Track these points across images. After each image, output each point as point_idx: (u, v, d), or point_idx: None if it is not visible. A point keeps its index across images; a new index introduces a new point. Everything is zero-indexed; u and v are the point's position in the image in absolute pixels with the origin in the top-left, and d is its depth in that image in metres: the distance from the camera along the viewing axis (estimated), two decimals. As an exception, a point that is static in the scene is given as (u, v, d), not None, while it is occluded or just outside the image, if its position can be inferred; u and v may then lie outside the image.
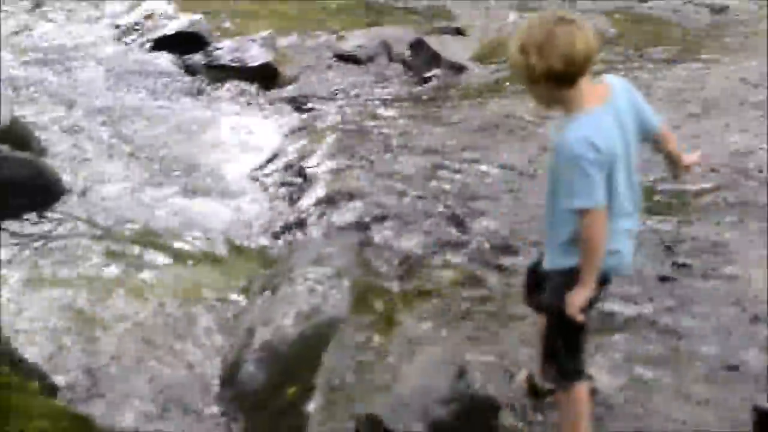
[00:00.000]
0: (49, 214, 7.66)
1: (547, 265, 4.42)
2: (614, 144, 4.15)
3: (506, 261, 6.35)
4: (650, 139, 4.44)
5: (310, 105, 10.60)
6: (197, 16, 12.64)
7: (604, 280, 4.36)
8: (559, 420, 4.65)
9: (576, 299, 4.22)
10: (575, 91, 4.12)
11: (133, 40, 12.39)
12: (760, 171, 7.48)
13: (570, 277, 4.23)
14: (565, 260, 4.30)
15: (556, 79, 4.07)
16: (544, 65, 4.03)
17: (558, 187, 4.25)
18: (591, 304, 4.35)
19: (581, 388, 4.50)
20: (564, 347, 4.45)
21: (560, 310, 4.28)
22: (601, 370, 5.09)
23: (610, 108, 4.19)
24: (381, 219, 7.06)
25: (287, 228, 7.59)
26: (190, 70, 11.50)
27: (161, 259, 7.22)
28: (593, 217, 4.13)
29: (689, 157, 4.61)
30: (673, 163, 4.60)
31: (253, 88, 11.15)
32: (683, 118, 8.70)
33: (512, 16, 12.46)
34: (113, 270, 6.98)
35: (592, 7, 12.88)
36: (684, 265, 6.20)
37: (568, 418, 4.56)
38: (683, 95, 9.49)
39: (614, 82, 4.33)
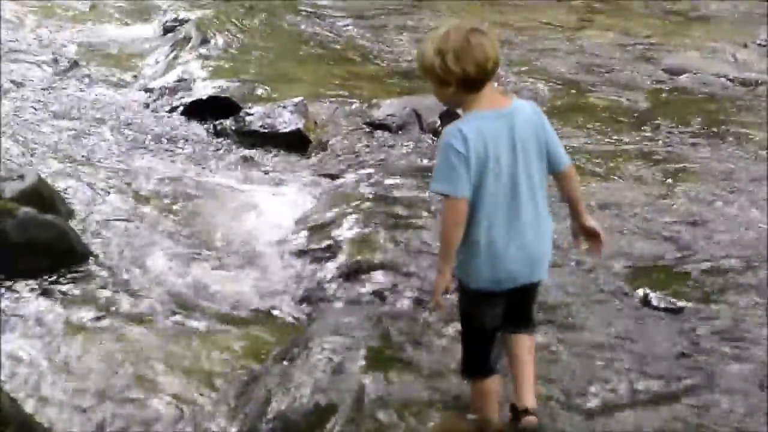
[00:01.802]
0: (70, 276, 7.62)
1: None
2: (491, 148, 4.46)
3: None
4: (555, 173, 4.71)
5: (339, 173, 10.55)
6: (229, 82, 12.68)
7: (503, 292, 4.69)
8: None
9: (435, 287, 4.63)
10: (477, 96, 4.52)
11: (164, 105, 12.39)
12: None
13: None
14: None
15: (466, 83, 4.49)
16: (459, 69, 4.46)
17: None
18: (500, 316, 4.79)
19: (483, 384, 4.96)
20: (467, 348, 4.94)
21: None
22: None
23: (502, 118, 4.51)
24: (403, 289, 7.01)
25: (309, 296, 7.55)
26: (221, 135, 11.45)
27: (180, 324, 7.16)
28: (449, 205, 4.53)
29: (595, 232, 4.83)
30: (575, 215, 4.84)
31: (283, 155, 11.09)
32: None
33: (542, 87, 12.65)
34: (132, 334, 6.92)
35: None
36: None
37: (474, 406, 5.07)
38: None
39: (522, 103, 4.70)
